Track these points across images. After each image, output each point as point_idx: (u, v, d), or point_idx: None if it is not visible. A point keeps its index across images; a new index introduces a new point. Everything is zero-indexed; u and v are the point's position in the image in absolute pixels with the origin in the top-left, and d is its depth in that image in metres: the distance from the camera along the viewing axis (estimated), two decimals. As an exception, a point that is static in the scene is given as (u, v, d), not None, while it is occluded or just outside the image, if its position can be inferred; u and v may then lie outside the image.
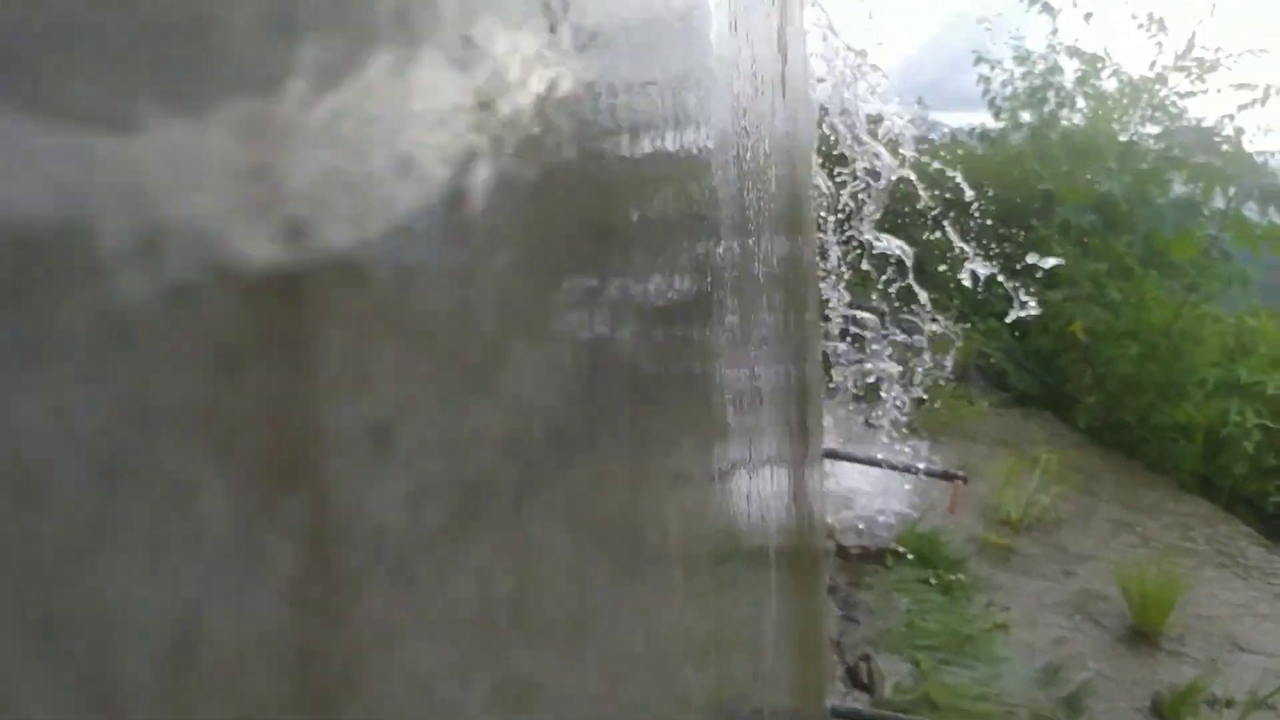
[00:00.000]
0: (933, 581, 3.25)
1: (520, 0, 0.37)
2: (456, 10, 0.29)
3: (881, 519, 3.59)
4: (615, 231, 0.53)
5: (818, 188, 3.06)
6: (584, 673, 0.39)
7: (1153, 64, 6.72)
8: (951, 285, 5.96)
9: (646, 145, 0.57)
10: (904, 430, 4.51)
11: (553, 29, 0.40)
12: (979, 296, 6.21)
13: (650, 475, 0.52)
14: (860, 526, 3.54)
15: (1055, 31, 7.00)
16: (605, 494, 0.43)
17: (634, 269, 0.54)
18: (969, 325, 5.78)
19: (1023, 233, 6.42)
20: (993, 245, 6.46)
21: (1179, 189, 6.14)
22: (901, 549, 3.38)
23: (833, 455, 3.30)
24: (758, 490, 0.93)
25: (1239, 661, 3.03)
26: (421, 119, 0.25)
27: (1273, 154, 6.04)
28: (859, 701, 2.57)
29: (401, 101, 0.24)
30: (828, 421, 3.56)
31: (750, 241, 0.94)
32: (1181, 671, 2.94)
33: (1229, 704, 2.73)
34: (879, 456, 3.81)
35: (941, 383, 4.89)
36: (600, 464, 0.42)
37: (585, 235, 0.46)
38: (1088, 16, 6.87)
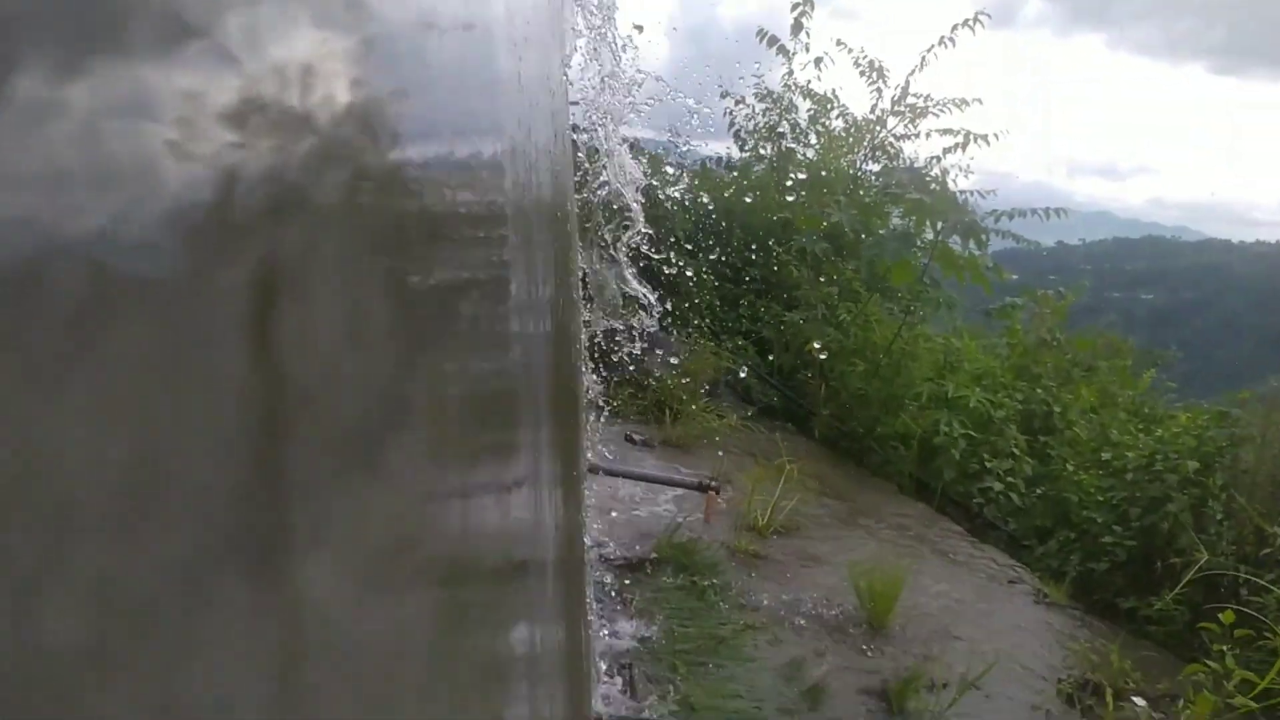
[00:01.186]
0: (689, 588, 3.37)
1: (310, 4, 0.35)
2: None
3: (642, 529, 3.69)
4: (408, 234, 0.51)
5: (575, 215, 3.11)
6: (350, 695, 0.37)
7: (874, 107, 7.43)
8: (702, 306, 6.26)
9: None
10: (659, 444, 4.66)
11: (345, 33, 0.38)
12: (726, 316, 6.57)
13: (416, 491, 0.51)
14: (622, 537, 3.62)
15: (790, 73, 7.57)
16: (374, 512, 0.41)
17: (411, 287, 0.52)
18: (719, 343, 6.08)
19: (765, 256, 6.85)
20: (741, 268, 6.87)
21: (897, 221, 6.81)
22: (660, 557, 3.49)
23: (595, 470, 3.35)
24: (524, 505, 0.92)
25: (952, 649, 3.37)
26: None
27: (972, 193, 6.85)
28: (623, 708, 2.62)
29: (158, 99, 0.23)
30: (590, 437, 3.61)
31: (524, 264, 0.93)
32: (905, 660, 3.24)
33: (944, 687, 3.03)
34: (638, 470, 3.92)
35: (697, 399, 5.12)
36: (367, 485, 0.40)
37: (371, 237, 0.44)
38: (818, 61, 7.49)
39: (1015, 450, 5.36)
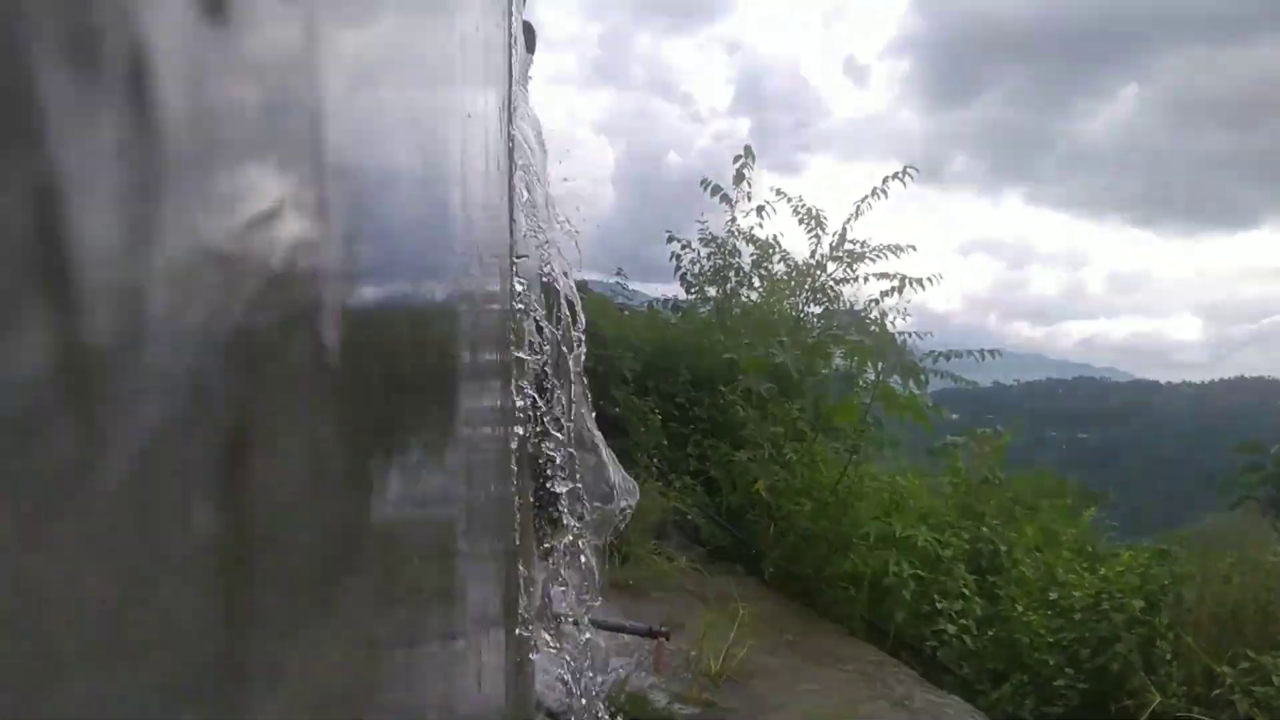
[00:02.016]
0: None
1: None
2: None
3: (591, 678, 3.56)
4: (365, 379, 0.51)
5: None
6: None
7: (813, 252, 7.73)
8: (650, 445, 6.26)
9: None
10: (608, 590, 4.55)
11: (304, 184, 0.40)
12: (674, 456, 6.57)
13: (364, 636, 0.49)
14: (568, 688, 3.47)
15: (733, 220, 7.88)
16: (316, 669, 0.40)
17: (366, 432, 0.52)
18: (668, 482, 6.06)
19: (711, 396, 6.93)
20: (688, 407, 6.92)
21: (839, 362, 6.97)
22: (610, 710, 3.35)
23: (544, 614, 3.24)
24: (471, 650, 0.89)
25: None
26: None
27: (910, 334, 7.07)
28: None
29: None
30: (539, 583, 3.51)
31: (475, 416, 0.94)
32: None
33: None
34: (588, 617, 3.80)
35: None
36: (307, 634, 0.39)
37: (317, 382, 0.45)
38: (759, 209, 7.82)
39: (965, 590, 5.34)
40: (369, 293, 0.51)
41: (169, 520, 0.26)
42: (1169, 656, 4.29)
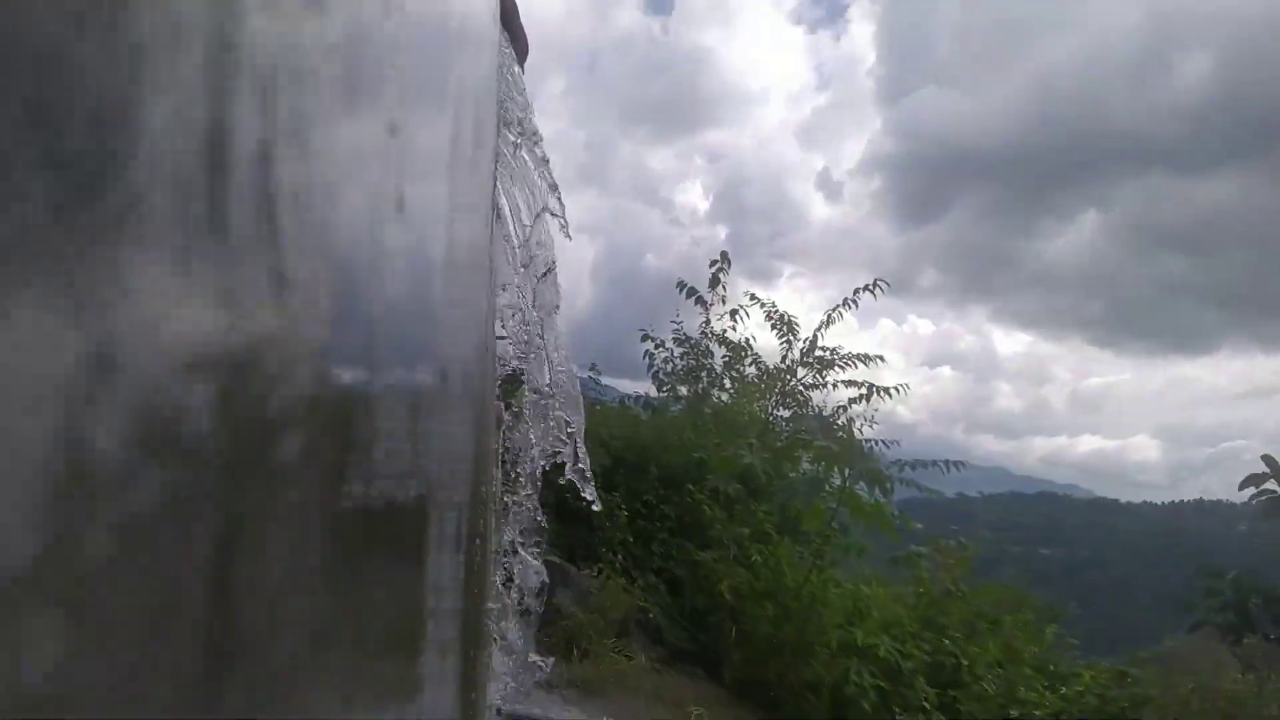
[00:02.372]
0: None
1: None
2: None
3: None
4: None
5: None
6: None
7: (784, 357, 7.86)
8: (615, 541, 6.22)
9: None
10: (563, 685, 4.47)
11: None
12: (640, 553, 6.52)
13: None
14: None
15: (707, 322, 8.02)
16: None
17: (346, 523, 0.55)
18: (631, 580, 6.00)
19: (679, 494, 6.92)
20: (656, 505, 6.90)
21: (807, 466, 7.02)
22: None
23: (499, 713, 3.18)
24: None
25: None
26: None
27: (877, 442, 7.15)
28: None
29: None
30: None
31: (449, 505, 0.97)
32: None
33: None
34: (542, 715, 3.73)
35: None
36: None
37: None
38: (733, 313, 7.98)
39: (925, 704, 5.29)
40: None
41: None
42: (1129, 780, 4.26)
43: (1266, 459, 9.47)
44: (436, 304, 0.90)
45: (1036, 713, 4.87)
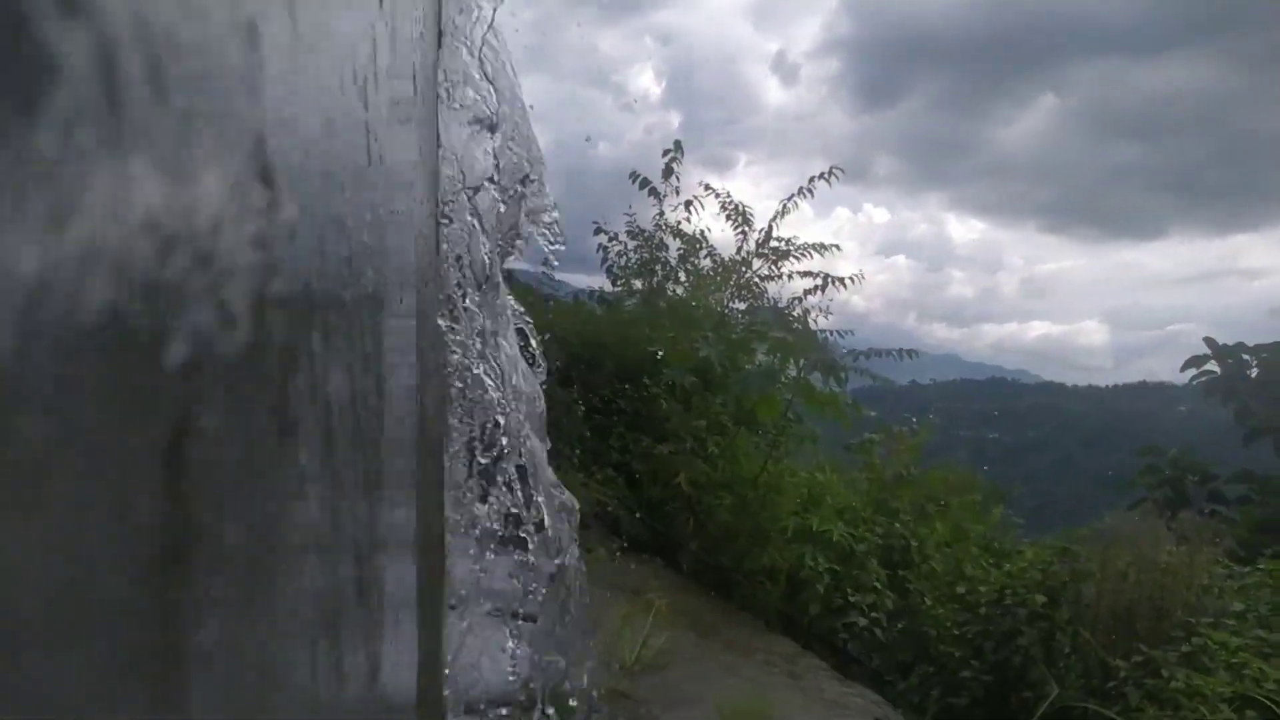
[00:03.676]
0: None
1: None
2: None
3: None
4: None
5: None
6: None
7: (740, 249, 7.79)
8: (573, 436, 6.24)
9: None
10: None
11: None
12: (597, 448, 6.56)
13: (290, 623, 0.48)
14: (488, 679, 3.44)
15: (661, 214, 7.89)
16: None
17: (298, 419, 0.50)
18: (589, 475, 6.05)
19: (635, 389, 6.94)
20: (612, 400, 6.92)
21: (762, 358, 7.05)
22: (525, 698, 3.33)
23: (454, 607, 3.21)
24: (400, 639, 0.87)
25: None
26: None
27: (831, 332, 7.18)
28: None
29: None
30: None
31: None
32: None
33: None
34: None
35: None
36: None
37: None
38: (687, 204, 7.85)
39: (877, 584, 5.47)
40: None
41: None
42: (1068, 650, 4.46)
43: (1208, 341, 9.74)
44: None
45: (981, 588, 5.05)
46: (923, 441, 6.74)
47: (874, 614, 5.31)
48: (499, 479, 1.26)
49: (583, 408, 6.48)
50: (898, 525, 5.93)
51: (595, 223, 8.12)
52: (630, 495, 6.37)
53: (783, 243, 7.58)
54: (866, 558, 5.60)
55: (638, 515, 6.26)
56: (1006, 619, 4.71)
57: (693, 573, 5.84)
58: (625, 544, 5.86)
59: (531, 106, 1.36)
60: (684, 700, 3.86)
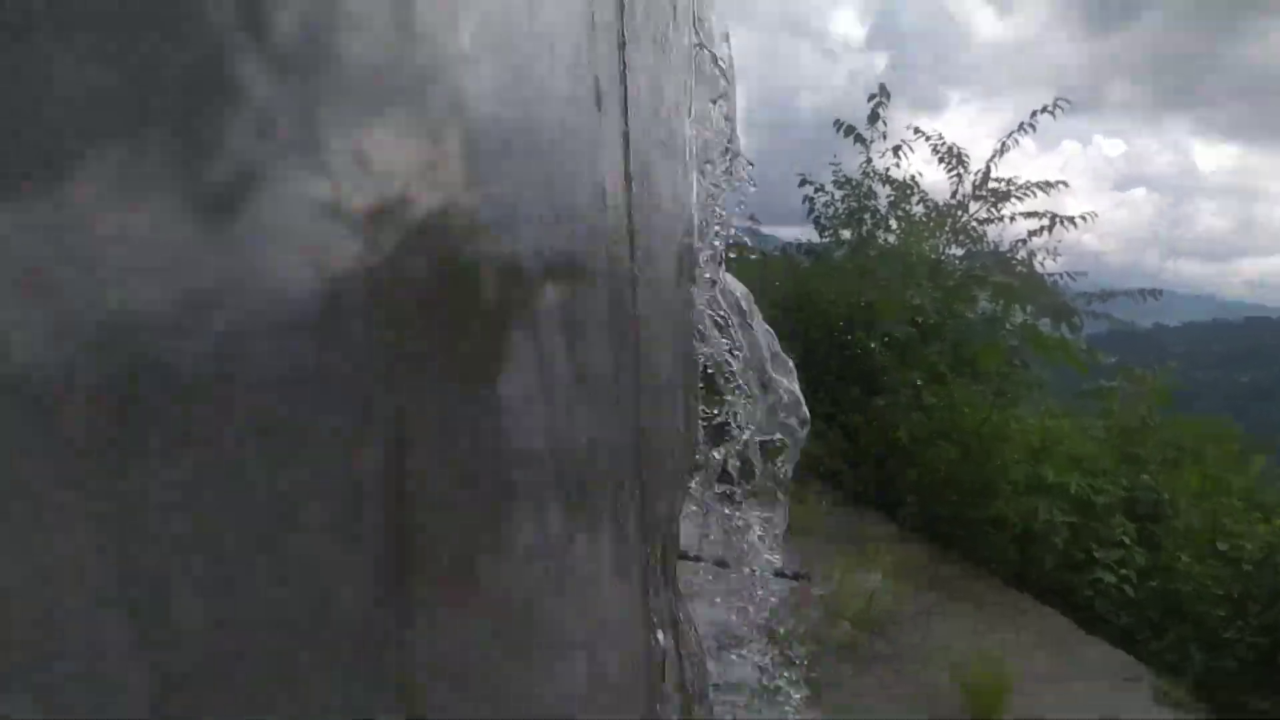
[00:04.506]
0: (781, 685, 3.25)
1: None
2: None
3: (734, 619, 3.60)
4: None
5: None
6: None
7: (955, 192, 7.38)
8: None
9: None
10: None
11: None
12: (810, 401, 6.48)
13: None
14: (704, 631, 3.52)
15: (869, 160, 7.61)
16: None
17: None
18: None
19: (847, 340, 6.78)
20: (825, 352, 6.80)
21: (983, 305, 6.69)
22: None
23: (683, 557, 3.29)
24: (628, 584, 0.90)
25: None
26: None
27: (1061, 275, 6.70)
28: None
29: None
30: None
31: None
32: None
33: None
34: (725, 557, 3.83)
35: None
36: None
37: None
38: (896, 149, 7.51)
39: (1125, 539, 5.10)
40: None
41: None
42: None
43: None
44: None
45: (1247, 545, 4.59)
46: (1170, 386, 6.19)
47: (1123, 571, 4.95)
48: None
49: (794, 360, 6.41)
50: (1145, 476, 5.49)
51: (800, 174, 7.95)
52: (847, 448, 6.26)
53: (1002, 183, 7.10)
54: (1108, 511, 5.22)
55: (855, 468, 6.15)
56: (1277, 577, 4.27)
57: (914, 525, 5.67)
58: (843, 496, 5.79)
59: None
60: (910, 653, 3.78)
